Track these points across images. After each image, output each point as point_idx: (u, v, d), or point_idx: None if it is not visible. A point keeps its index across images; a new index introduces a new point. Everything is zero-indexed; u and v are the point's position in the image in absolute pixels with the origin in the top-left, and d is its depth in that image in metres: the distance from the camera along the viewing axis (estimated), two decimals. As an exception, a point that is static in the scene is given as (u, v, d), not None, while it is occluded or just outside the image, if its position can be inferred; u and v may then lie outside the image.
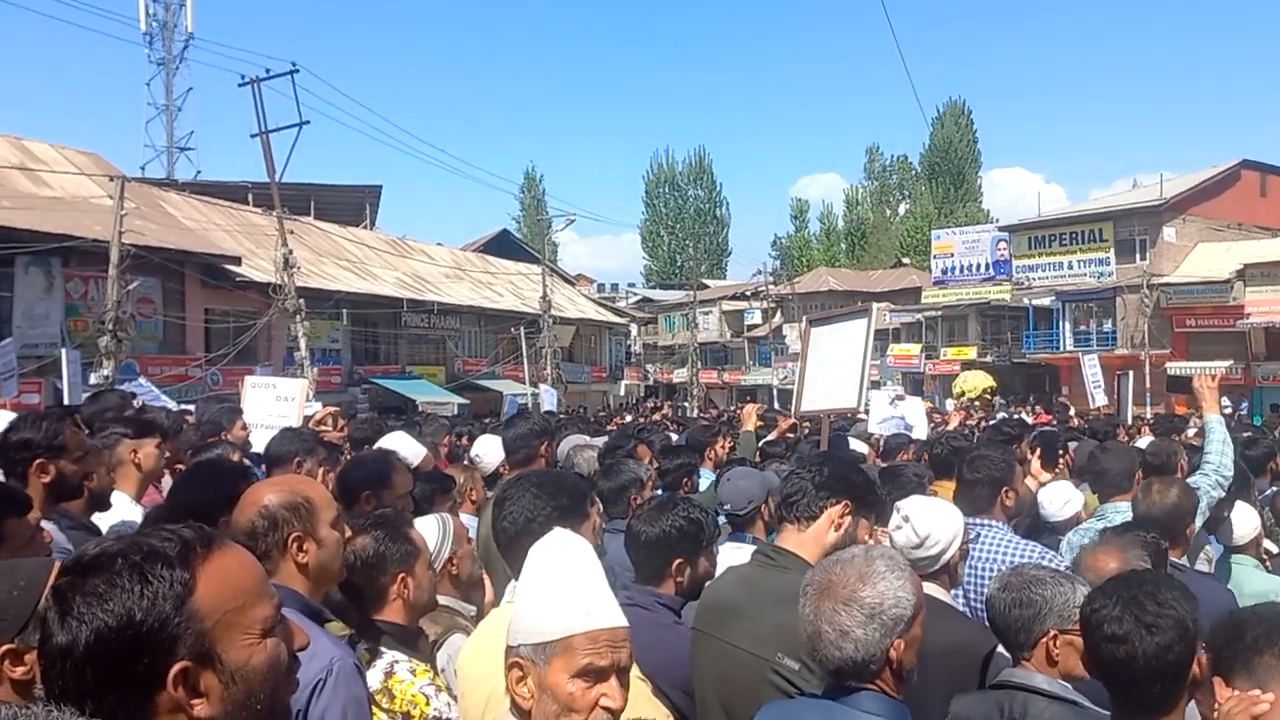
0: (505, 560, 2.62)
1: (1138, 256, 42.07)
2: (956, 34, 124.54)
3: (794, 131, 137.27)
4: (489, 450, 5.66)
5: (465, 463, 5.83)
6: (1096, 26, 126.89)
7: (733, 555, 3.50)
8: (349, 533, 2.45)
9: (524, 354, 32.22)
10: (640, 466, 4.84)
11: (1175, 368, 39.48)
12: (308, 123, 22.15)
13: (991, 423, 8.76)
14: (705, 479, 5.86)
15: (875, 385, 34.12)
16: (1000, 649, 2.70)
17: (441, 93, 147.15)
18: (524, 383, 32.65)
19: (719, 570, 3.05)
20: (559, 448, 5.79)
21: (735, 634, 2.52)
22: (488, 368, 38.82)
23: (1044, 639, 2.48)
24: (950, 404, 28.58)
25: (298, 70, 21.94)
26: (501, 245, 52.02)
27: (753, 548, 3.82)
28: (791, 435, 8.24)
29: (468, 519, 4.54)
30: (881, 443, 7.43)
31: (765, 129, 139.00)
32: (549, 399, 16.65)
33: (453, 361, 38.32)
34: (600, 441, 6.43)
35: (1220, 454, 4.38)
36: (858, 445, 6.93)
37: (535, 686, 1.70)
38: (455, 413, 28.36)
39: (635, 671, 2.38)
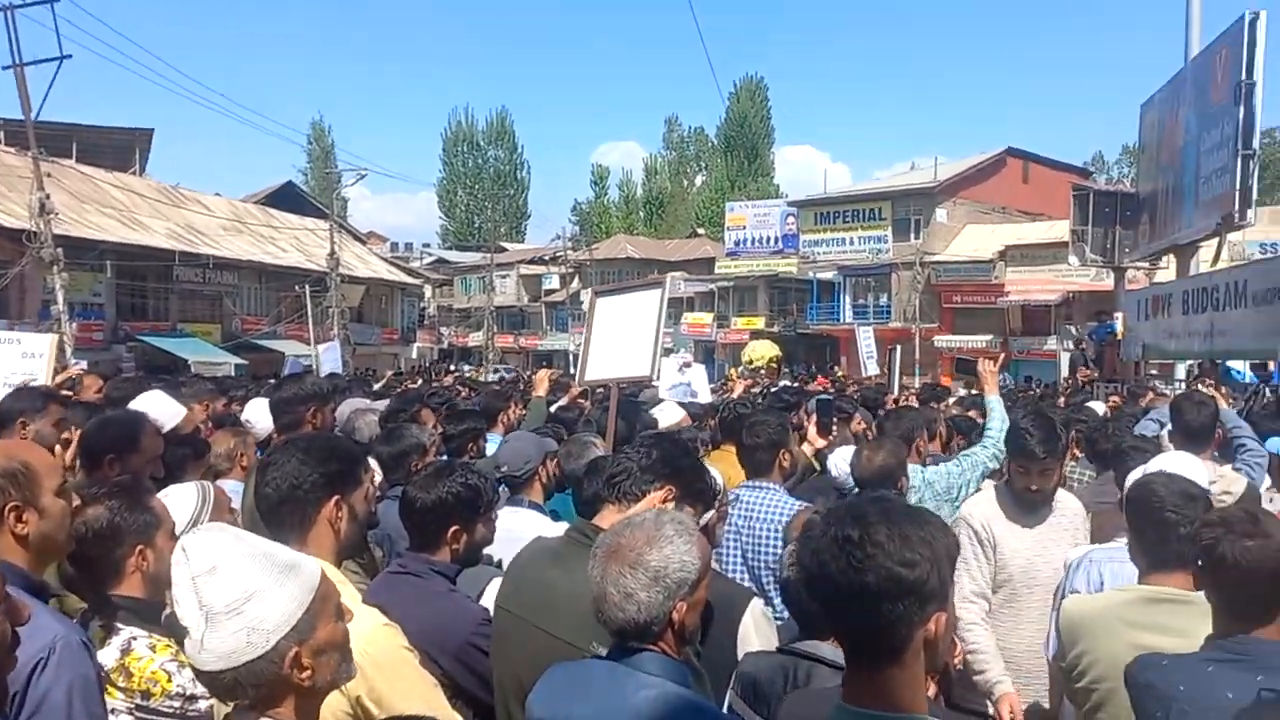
0: (269, 529, 2.45)
1: (912, 235, 44.80)
2: (754, 11, 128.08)
3: (596, 97, 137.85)
4: (261, 414, 5.35)
5: (236, 427, 5.49)
6: (882, 14, 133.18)
7: (510, 520, 3.45)
8: (78, 501, 2.23)
9: (309, 313, 30.85)
10: (423, 431, 4.70)
11: (943, 341, 42.41)
12: (69, 57, 20.21)
13: (773, 390, 9.09)
14: (496, 444, 5.75)
15: (666, 353, 34.90)
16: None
17: (223, 37, 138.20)
18: (309, 343, 31.32)
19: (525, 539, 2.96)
20: (339, 411, 5.55)
21: (550, 621, 2.45)
22: (269, 327, 36.95)
23: None
24: (736, 371, 29.53)
25: (58, -1, 19.96)
26: (286, 198, 49.24)
27: (530, 511, 3.80)
28: (583, 401, 8.23)
29: (236, 485, 4.27)
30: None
31: (568, 93, 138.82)
32: (331, 359, 15.16)
33: (230, 319, 36.28)
34: (383, 405, 6.21)
35: (1000, 431, 4.79)
36: (670, 413, 6.81)
37: (311, 658, 1.64)
38: (231, 373, 26.88)
39: (402, 641, 2.32)
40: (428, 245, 77.41)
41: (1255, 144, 14.30)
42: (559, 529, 3.53)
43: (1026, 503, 3.93)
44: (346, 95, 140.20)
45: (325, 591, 1.68)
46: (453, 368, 36.55)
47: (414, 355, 50.78)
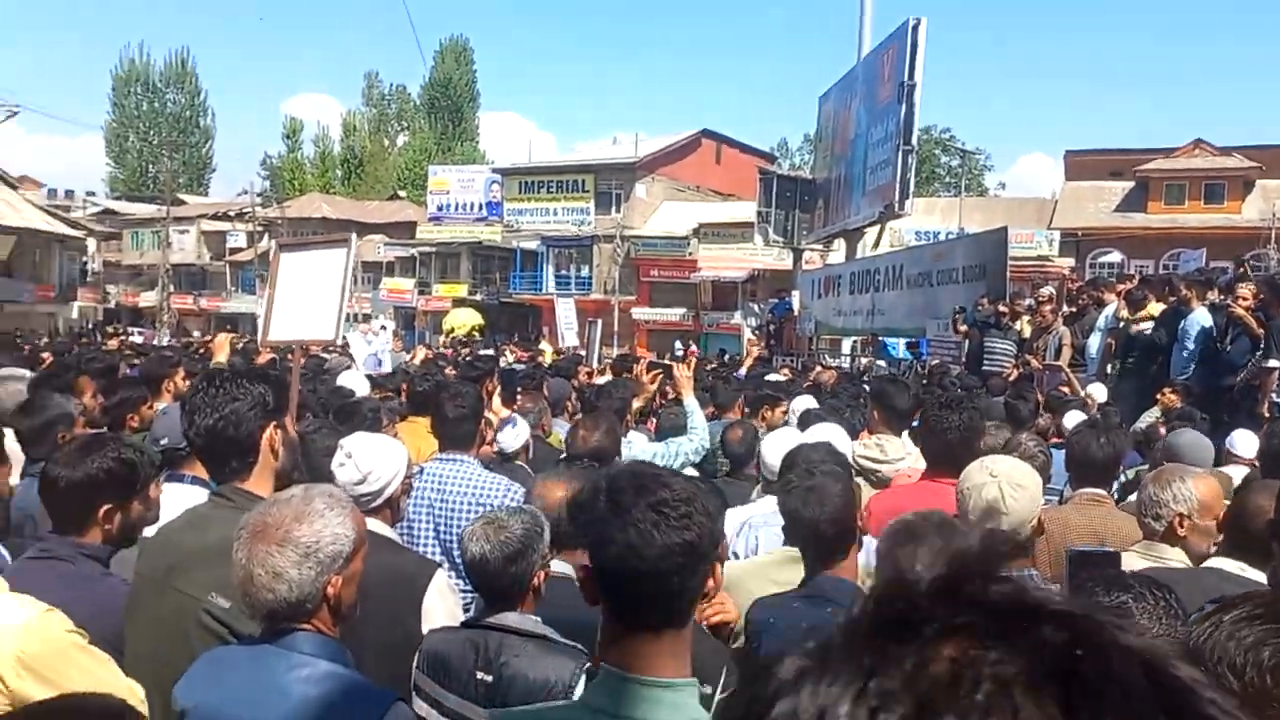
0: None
1: (614, 209, 46.01)
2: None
3: (288, 44, 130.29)
4: None
5: None
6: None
7: (169, 496, 3.18)
8: None
9: (-57, 264, 27.09)
10: (70, 401, 4.26)
11: (641, 313, 44.02)
12: None
13: (468, 359, 9.04)
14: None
15: (360, 319, 33.75)
16: None
17: None
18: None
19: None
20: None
21: (179, 578, 2.31)
22: (-106, 279, 32.13)
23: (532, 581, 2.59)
24: (440, 338, 29.14)
25: None
26: (-82, 132, 42.93)
27: (193, 487, 3.54)
28: (274, 370, 7.80)
29: None
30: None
31: (256, 38, 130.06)
32: None
33: None
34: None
35: (704, 427, 5.12)
36: (358, 382, 6.64)
37: None
38: None
39: (67, 625, 2.15)
40: (92, 194, 70.02)
41: (914, 140, 15.88)
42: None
43: None
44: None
45: None
46: (118, 329, 33.43)
47: (75, 315, 45.94)
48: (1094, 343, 10.38)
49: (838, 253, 22.12)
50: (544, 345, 26.17)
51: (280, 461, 2.54)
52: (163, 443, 3.71)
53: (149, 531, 2.91)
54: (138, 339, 28.75)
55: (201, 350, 12.40)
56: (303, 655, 1.89)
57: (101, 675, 2.13)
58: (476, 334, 33.93)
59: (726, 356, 23.05)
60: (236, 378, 2.55)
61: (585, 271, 47.18)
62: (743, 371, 11.08)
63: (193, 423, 2.50)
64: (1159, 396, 7.81)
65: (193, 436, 2.54)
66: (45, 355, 9.66)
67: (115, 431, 4.49)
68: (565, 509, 3.04)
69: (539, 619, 2.57)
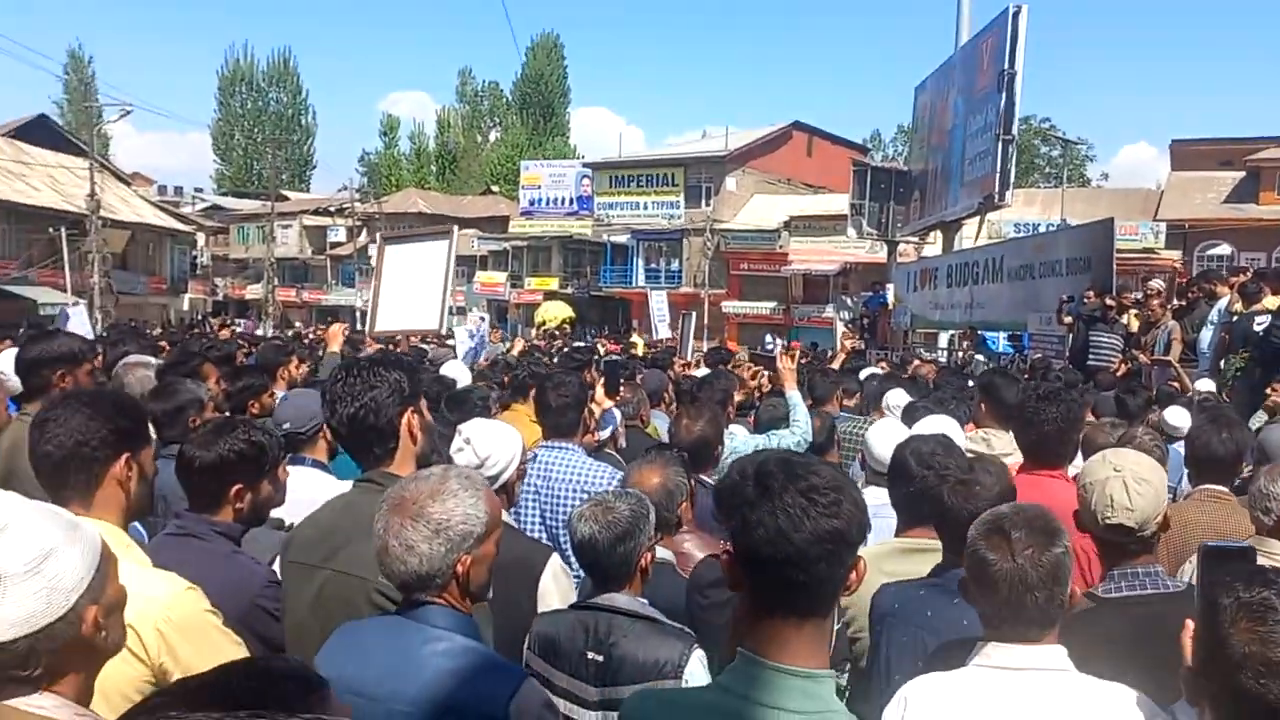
0: (48, 491, 2.26)
1: (703, 202, 45.91)
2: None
3: (384, 43, 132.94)
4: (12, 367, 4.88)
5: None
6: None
7: (291, 479, 3.31)
8: None
9: (65, 258, 28.37)
10: (200, 387, 4.44)
11: (731, 307, 43.89)
12: None
13: (566, 350, 9.16)
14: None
15: (459, 311, 34.37)
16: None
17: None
18: (65, 290, 28.87)
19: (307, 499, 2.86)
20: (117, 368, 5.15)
21: (340, 561, 2.40)
22: (18, 272, 33.72)
23: (639, 562, 2.64)
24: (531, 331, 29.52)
25: None
26: (38, 131, 44.59)
27: (313, 470, 3.67)
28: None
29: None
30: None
31: (353, 37, 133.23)
32: (79, 319, 12.66)
33: (-31, 262, 32.91)
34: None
35: (806, 420, 5.11)
36: (461, 372, 6.79)
37: (104, 618, 1.53)
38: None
39: (205, 605, 2.24)
40: (200, 190, 72.63)
41: (1014, 130, 15.49)
42: (344, 487, 3.44)
43: None
44: (108, 23, 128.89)
45: (106, 549, 1.58)
46: (226, 320, 34.68)
47: (185, 306, 47.78)
48: (1205, 337, 9.99)
49: (934, 245, 21.74)
50: (635, 338, 26.31)
51: (419, 445, 2.61)
52: (284, 427, 3.84)
53: (277, 514, 3.04)
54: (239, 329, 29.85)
55: (309, 339, 12.80)
56: (436, 629, 1.96)
57: (233, 654, 2.17)
58: (567, 326, 34.29)
59: (817, 350, 22.88)
60: (373, 366, 2.62)
61: (675, 265, 47.21)
62: (837, 364, 10.99)
63: (334, 412, 2.58)
64: (1269, 391, 7.52)
65: (335, 425, 2.63)
66: (162, 343, 10.10)
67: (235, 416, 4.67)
68: (660, 495, 3.10)
69: (646, 601, 2.63)
